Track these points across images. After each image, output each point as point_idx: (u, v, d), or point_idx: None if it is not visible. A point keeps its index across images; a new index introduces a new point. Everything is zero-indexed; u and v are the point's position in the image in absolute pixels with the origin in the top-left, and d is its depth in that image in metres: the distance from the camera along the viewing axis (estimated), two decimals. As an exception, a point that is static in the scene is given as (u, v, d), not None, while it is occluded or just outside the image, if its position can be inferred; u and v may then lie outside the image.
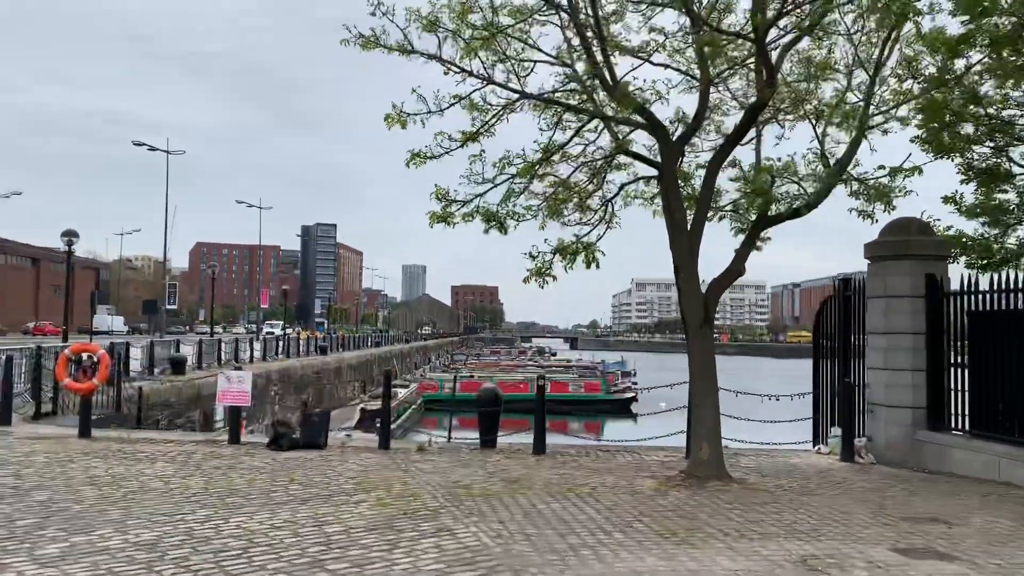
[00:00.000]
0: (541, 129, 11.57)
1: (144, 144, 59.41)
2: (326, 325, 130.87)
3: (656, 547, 6.95)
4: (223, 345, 32.71)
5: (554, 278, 11.64)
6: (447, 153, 11.40)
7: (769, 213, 10.63)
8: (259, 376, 29.32)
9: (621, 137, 11.43)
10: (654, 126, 10.27)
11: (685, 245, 10.13)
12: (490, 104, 11.40)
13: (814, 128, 11.04)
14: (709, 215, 11.63)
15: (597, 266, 11.27)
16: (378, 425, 34.43)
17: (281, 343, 43.22)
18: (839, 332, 14.23)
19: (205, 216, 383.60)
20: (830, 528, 7.76)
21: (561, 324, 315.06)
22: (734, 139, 10.37)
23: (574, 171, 11.26)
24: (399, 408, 40.92)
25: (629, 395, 54.84)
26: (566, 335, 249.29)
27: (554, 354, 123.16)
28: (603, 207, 11.47)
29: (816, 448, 13.57)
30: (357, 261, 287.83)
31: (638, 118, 10.50)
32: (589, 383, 54.64)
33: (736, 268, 10.48)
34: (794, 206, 10.27)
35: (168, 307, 72.01)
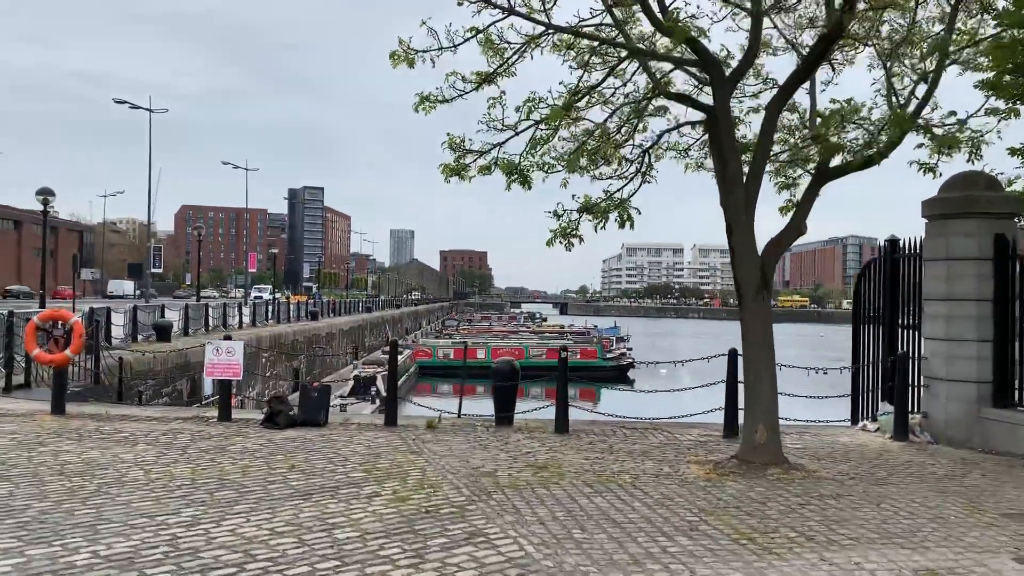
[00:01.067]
0: (571, 67, 10.24)
1: (126, 102, 57.36)
2: (314, 289, 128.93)
3: (734, 558, 5.78)
4: (211, 310, 31.36)
5: (580, 239, 10.39)
6: (461, 96, 10.06)
7: (831, 164, 9.39)
8: (249, 344, 28.06)
9: (659, 77, 10.11)
10: (707, 61, 8.94)
11: (740, 199, 8.87)
12: (508, 42, 10.05)
13: (884, 65, 9.73)
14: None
15: (631, 226, 10.02)
16: (373, 393, 33.28)
17: (271, 308, 41.91)
18: (885, 299, 13.07)
19: (191, 179, 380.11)
20: (928, 530, 6.61)
21: (550, 289, 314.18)
22: (802, 74, 9.04)
23: (612, 114, 9.94)
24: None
25: (626, 362, 54.02)
26: (555, 300, 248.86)
27: (545, 319, 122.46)
28: (640, 158, 10.17)
29: (860, 425, 12.46)
30: (345, 225, 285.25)
31: (686, 53, 9.17)
32: (585, 349, 53.66)
33: (797, 225, 9.24)
34: (867, 154, 8.99)
35: (153, 270, 70.32)
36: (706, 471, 8.68)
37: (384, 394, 36.20)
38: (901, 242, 12.96)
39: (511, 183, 10.00)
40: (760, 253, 9.03)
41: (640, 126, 10.57)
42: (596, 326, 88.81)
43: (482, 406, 14.73)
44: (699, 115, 10.35)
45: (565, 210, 10.25)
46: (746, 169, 9.19)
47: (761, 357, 8.86)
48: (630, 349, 62.81)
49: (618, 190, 10.24)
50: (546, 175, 9.60)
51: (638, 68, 10.30)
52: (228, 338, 12.08)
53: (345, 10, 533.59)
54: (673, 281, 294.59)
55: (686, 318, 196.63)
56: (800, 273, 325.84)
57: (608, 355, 56.12)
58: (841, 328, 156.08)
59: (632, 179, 10.20)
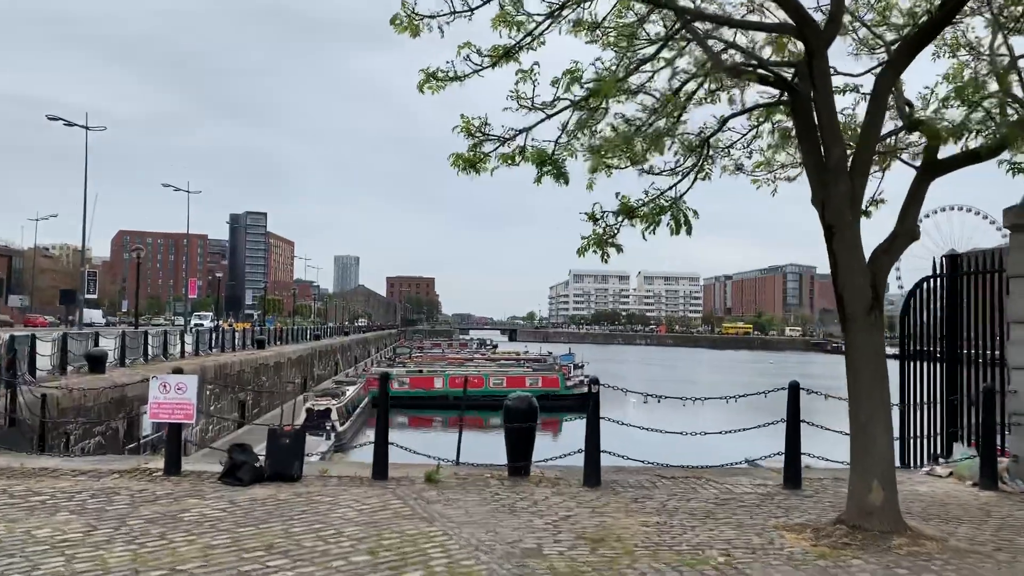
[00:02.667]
0: (607, 44, 8.39)
1: (60, 119, 54.02)
2: (255, 316, 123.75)
3: None
4: (150, 339, 28.61)
5: (619, 249, 8.53)
6: (476, 73, 8.18)
7: (940, 155, 7.66)
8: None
9: (717, 51, 8.32)
10: (803, 21, 7.13)
11: (845, 194, 7.05)
12: (529, 14, 8.20)
13: (1001, 29, 8.04)
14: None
15: (688, 231, 8.16)
16: (328, 428, 30.69)
17: (214, 336, 39.08)
18: (944, 323, 11.45)
19: (129, 207, 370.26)
20: None
21: (496, 315, 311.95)
22: (927, 35, 7.28)
23: (679, 89, 8.07)
24: (348, 406, 37.36)
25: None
26: (503, 327, 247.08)
27: (495, 346, 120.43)
28: (698, 148, 8.32)
29: (927, 469, 10.73)
30: (288, 251, 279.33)
31: (773, 14, 7.39)
32: (547, 377, 51.77)
33: (909, 229, 7.44)
34: (999, 135, 7.22)
35: (87, 296, 66.43)
36: (809, 542, 6.76)
37: (339, 429, 33.72)
38: (963, 258, 11.41)
39: (542, 176, 8.10)
40: (868, 262, 7.21)
41: (684, 116, 8.74)
42: (551, 352, 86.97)
43: (472, 447, 12.65)
44: (760, 98, 8.63)
45: (604, 212, 8.37)
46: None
47: (874, 392, 7.02)
48: (588, 376, 61.05)
49: (670, 187, 8.38)
50: (604, 163, 7.71)
51: (685, 47, 8.49)
52: (178, 371, 9.82)
53: (289, 38, 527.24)
54: (619, 308, 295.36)
55: (633, 344, 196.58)
56: (742, 301, 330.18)
57: (568, 383, 54.16)
58: (786, 355, 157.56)
59: (687, 175, 8.34)
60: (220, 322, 68.96)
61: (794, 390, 9.44)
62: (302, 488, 8.77)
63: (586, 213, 8.49)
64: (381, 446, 9.52)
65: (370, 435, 16.89)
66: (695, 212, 8.17)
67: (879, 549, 6.54)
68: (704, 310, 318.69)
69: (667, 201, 8.29)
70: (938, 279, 11.64)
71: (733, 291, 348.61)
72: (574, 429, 19.86)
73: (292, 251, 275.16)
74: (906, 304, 12.38)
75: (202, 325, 59.29)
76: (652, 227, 8.17)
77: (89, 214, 56.98)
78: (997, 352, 10.53)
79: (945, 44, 9.05)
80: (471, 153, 8.23)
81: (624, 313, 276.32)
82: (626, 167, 8.57)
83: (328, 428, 30.40)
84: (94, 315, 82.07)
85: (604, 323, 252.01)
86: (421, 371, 55.50)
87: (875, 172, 9.50)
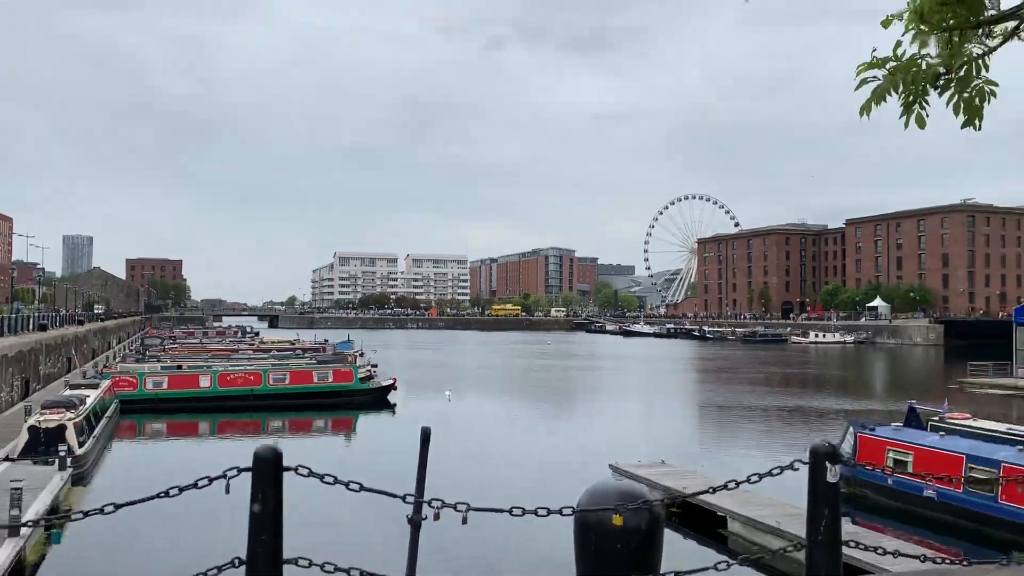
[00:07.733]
0: None
1: None
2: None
3: None
4: None
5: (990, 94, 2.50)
6: None
7: None
8: None
9: None
10: None
11: None
12: None
13: None
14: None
15: None
16: (62, 453, 21.73)
17: None
18: None
19: None
20: None
21: (251, 301, 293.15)
22: None
23: None
24: (88, 418, 28.00)
25: (387, 382, 45.56)
26: (260, 312, 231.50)
27: (257, 334, 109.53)
28: None
29: None
30: (6, 228, 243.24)
31: None
32: (338, 371, 44.31)
33: None
34: None
35: None
36: None
37: (78, 452, 24.66)
38: None
39: None
40: None
41: None
42: (327, 340, 78.82)
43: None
44: None
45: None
46: None
47: None
48: (375, 366, 54.02)
49: None
50: None
51: None
52: None
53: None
54: (388, 291, 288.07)
55: (405, 328, 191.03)
56: (507, 283, 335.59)
57: (360, 376, 47.01)
58: (555, 335, 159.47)
59: None
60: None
61: None
62: None
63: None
64: None
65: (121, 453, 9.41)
66: None
67: None
68: (472, 293, 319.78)
69: None
70: None
71: (498, 273, 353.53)
72: (375, 431, 12.48)
73: (10, 228, 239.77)
74: None
75: None
76: None
77: None
78: None
79: None
80: None
81: (393, 296, 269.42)
82: None
83: (63, 454, 21.59)
84: None
85: (373, 307, 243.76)
86: (180, 367, 45.90)
87: None
